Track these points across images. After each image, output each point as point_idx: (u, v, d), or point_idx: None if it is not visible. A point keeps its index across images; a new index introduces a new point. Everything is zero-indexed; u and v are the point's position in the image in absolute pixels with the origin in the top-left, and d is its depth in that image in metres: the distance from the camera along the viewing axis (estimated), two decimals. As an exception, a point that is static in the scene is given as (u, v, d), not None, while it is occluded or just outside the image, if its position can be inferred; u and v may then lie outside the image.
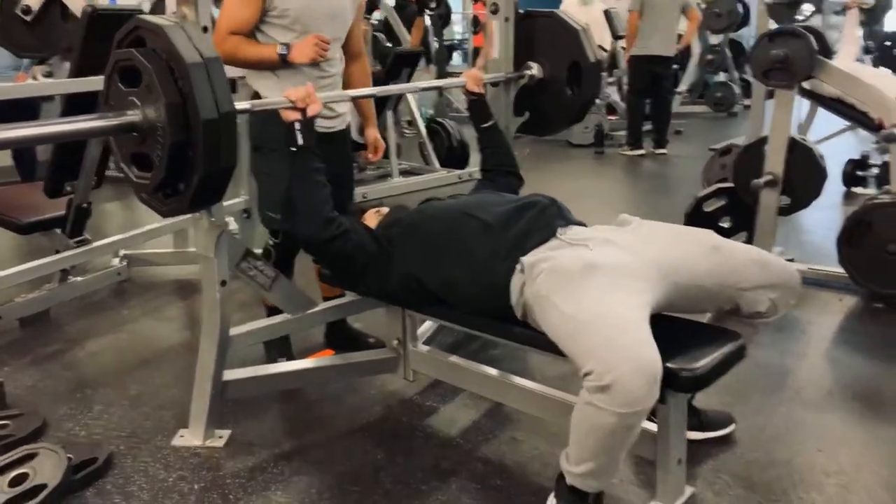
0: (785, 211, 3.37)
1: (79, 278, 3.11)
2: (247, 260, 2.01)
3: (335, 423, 2.20)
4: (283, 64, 2.15)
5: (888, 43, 6.00)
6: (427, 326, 2.54)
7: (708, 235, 1.87)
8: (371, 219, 2.20)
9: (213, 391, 2.03)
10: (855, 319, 2.99)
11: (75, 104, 2.66)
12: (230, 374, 2.08)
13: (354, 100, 2.43)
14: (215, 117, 1.53)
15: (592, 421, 1.47)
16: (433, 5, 7.12)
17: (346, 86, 2.41)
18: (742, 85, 8.85)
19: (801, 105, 4.09)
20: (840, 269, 3.10)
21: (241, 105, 1.74)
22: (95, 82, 2.51)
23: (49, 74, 4.04)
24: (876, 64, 6.31)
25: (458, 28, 12.80)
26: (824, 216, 4.22)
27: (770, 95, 4.15)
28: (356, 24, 2.40)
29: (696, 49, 8.74)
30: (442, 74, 7.68)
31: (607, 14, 7.29)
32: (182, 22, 1.63)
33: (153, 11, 3.16)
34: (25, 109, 4.00)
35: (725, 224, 3.51)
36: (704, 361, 1.61)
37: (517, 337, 1.86)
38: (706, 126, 8.13)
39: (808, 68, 2.99)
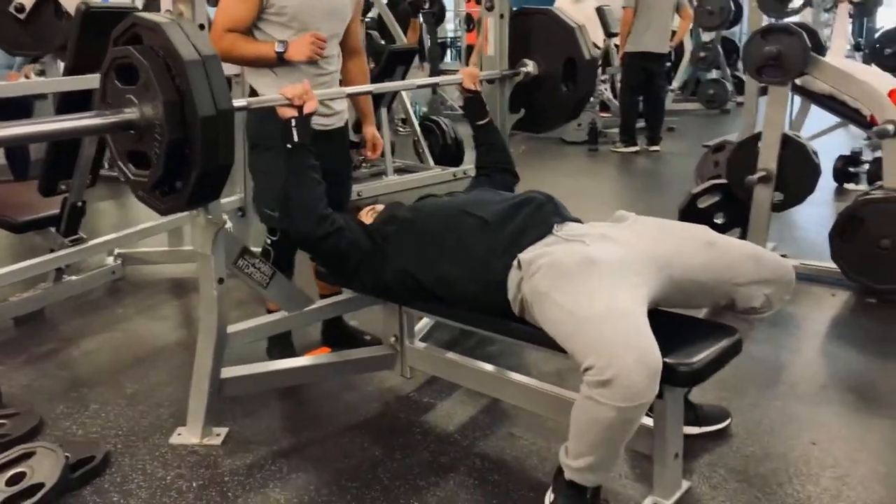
0: (778, 207, 3.38)
1: (73, 277, 3.11)
2: (244, 257, 2.01)
3: (332, 420, 2.21)
4: (280, 61, 2.15)
5: (879, 44, 6.03)
6: (423, 323, 2.55)
7: (703, 231, 1.89)
8: (366, 217, 2.20)
9: (211, 389, 2.03)
10: (848, 314, 3.01)
11: (69, 102, 2.65)
12: (227, 372, 2.08)
13: (352, 97, 2.43)
14: (213, 114, 1.53)
15: (593, 415, 1.48)
16: (427, 6, 7.12)
17: (343, 83, 2.42)
18: (734, 82, 8.89)
19: (793, 102, 4.10)
20: (832, 265, 3.12)
21: (238, 102, 1.74)
22: (90, 80, 2.53)
23: (41, 73, 4.02)
24: (867, 61, 6.34)
25: (450, 26, 12.81)
26: (816, 212, 4.25)
27: (763, 92, 4.17)
28: (354, 20, 2.39)
29: (689, 46, 8.78)
30: (435, 72, 7.68)
31: (600, 11, 7.30)
32: (179, 19, 1.63)
33: (146, 9, 3.14)
34: (18, 108, 3.99)
35: (719, 220, 3.53)
36: (701, 356, 1.62)
37: (514, 333, 1.87)
38: (699, 123, 8.16)
39: (802, 65, 3.00)
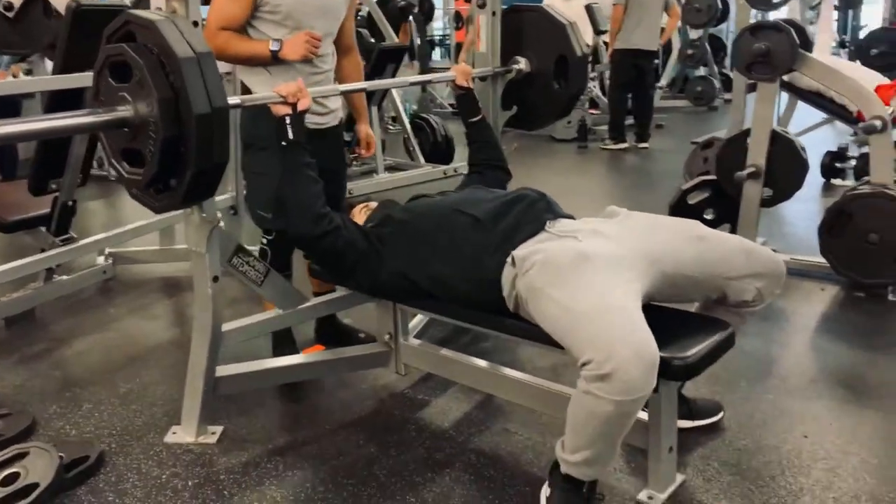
0: (767, 202, 3.41)
1: (64, 277, 3.09)
2: (238, 255, 2.01)
3: (328, 418, 2.21)
4: (274, 60, 2.14)
5: (865, 44, 6.09)
6: (418, 320, 2.56)
7: (694, 225, 1.90)
8: (359, 214, 2.20)
9: (206, 387, 2.03)
10: (837, 308, 3.04)
11: (59, 101, 2.64)
12: (222, 370, 2.08)
13: (345, 94, 2.43)
14: (208, 112, 1.53)
15: (590, 409, 1.48)
16: (416, 10, 7.13)
17: (337, 81, 2.41)
18: (722, 79, 8.95)
19: (781, 98, 4.14)
20: (821, 259, 3.15)
21: (231, 100, 1.73)
22: (81, 79, 2.52)
23: (29, 72, 4.00)
24: (852, 58, 6.41)
25: (438, 24, 12.80)
26: (804, 207, 4.29)
27: (751, 89, 4.21)
28: (348, 18, 2.39)
29: (677, 44, 8.82)
30: (425, 70, 7.68)
31: (589, 9, 7.32)
32: (173, 16, 1.62)
33: (136, 7, 3.13)
34: (6, 107, 3.96)
35: (709, 216, 3.55)
36: (695, 350, 1.64)
37: (510, 329, 1.88)
38: (687, 120, 8.21)
39: (790, 61, 3.03)
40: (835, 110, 4.49)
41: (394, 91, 5.10)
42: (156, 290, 3.35)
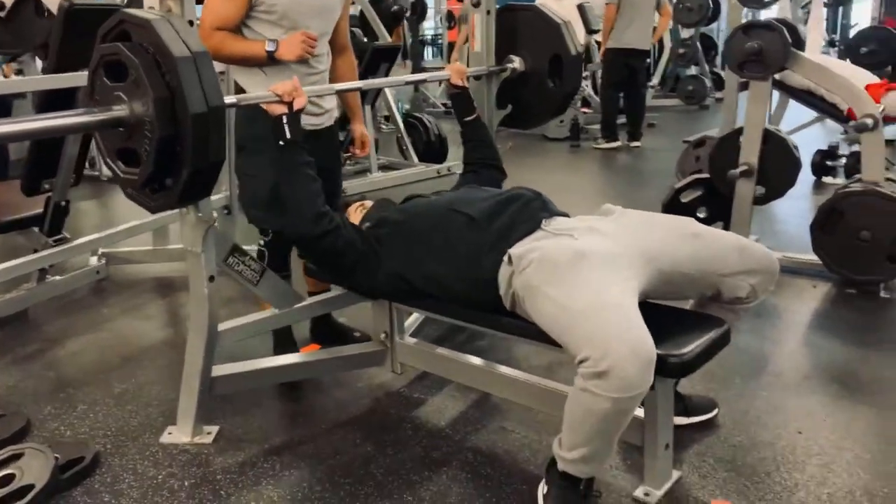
0: (760, 200, 3.43)
1: (57, 277, 3.08)
2: (234, 255, 2.00)
3: (324, 417, 2.21)
4: (270, 60, 2.13)
5: (855, 42, 6.13)
6: (413, 319, 2.56)
7: (688, 223, 1.91)
8: (355, 213, 2.20)
9: (202, 387, 2.02)
10: (829, 305, 3.05)
11: (52, 101, 2.62)
12: (218, 370, 2.07)
13: (340, 94, 2.42)
14: (204, 111, 1.52)
15: (588, 407, 1.49)
16: (408, 13, 7.13)
17: (332, 80, 2.40)
18: (713, 78, 8.99)
19: (772, 97, 4.16)
20: (813, 257, 3.17)
21: (227, 99, 1.73)
22: (74, 78, 2.51)
23: (20, 72, 3.98)
24: (842, 57, 6.45)
25: (429, 24, 12.79)
26: (795, 205, 4.31)
27: (743, 87, 4.23)
28: (343, 18, 2.38)
29: (668, 43, 8.86)
30: (417, 69, 7.68)
31: (581, 8, 7.33)
32: (168, 15, 1.61)
33: (129, 6, 3.12)
34: (-4, 107, 3.94)
35: (702, 214, 3.56)
36: (691, 347, 1.65)
37: (506, 327, 1.88)
38: (678, 119, 8.24)
39: (782, 60, 3.04)
40: (826, 109, 4.51)
41: (387, 90, 5.10)
42: (149, 290, 3.34)
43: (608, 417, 1.50)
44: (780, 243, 3.59)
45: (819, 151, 5.10)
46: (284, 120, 1.88)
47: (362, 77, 3.90)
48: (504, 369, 2.12)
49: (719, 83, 8.97)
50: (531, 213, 1.86)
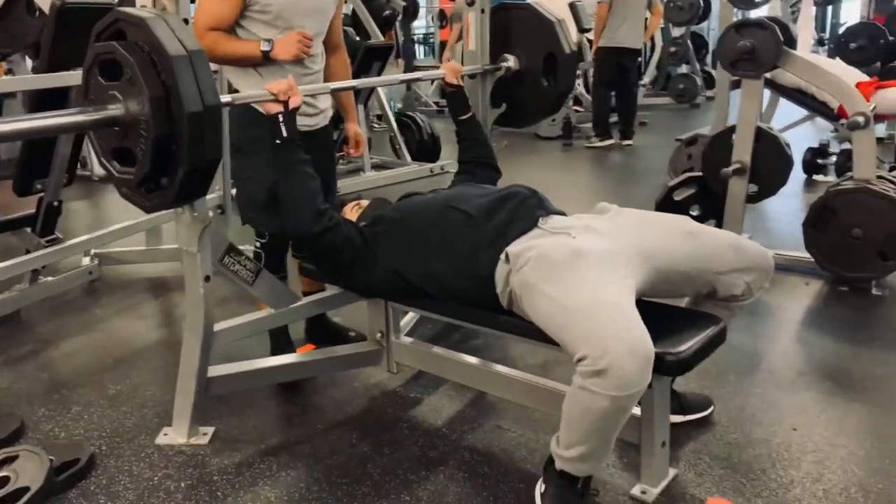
0: (753, 198, 3.44)
1: (49, 278, 3.06)
2: (229, 255, 2.00)
3: (320, 417, 2.20)
4: (265, 60, 2.12)
5: (844, 38, 6.17)
6: (409, 318, 2.56)
7: (684, 221, 1.92)
8: (351, 212, 2.20)
9: (198, 387, 2.01)
10: (821, 302, 3.07)
11: (43, 101, 2.60)
12: (214, 370, 2.07)
13: (334, 93, 2.42)
14: (200, 110, 1.52)
15: (586, 405, 1.49)
16: (399, 17, 7.13)
17: (325, 79, 2.39)
18: (703, 77, 9.03)
19: (763, 95, 4.18)
20: (805, 254, 3.18)
21: (222, 98, 1.72)
22: (68, 77, 2.49)
23: (10, 71, 3.95)
24: (831, 55, 6.49)
25: (420, 23, 12.79)
26: (787, 203, 4.33)
27: (734, 86, 4.24)
28: (336, 17, 2.37)
29: (659, 42, 8.89)
30: (409, 68, 7.68)
31: (573, 7, 7.36)
32: (163, 14, 1.61)
33: (122, 4, 3.10)
34: (-14, 107, 3.91)
35: (695, 212, 3.57)
36: (688, 345, 1.65)
37: (503, 326, 1.88)
38: (670, 117, 8.27)
39: (774, 58, 3.05)
40: (816, 107, 4.55)
41: (379, 89, 5.09)
42: (143, 290, 3.33)
43: (606, 415, 1.50)
44: (771, 241, 3.61)
45: (810, 149, 5.13)
46: (280, 119, 1.87)
47: (355, 76, 3.88)
48: (500, 368, 2.12)
49: (710, 82, 9.02)
50: (528, 210, 1.86)
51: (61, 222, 3.11)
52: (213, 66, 2.40)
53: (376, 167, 5.04)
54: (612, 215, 1.89)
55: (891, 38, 5.95)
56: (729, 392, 2.27)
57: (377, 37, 5.58)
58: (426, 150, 5.36)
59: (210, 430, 2.09)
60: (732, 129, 3.38)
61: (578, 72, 7.74)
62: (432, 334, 2.64)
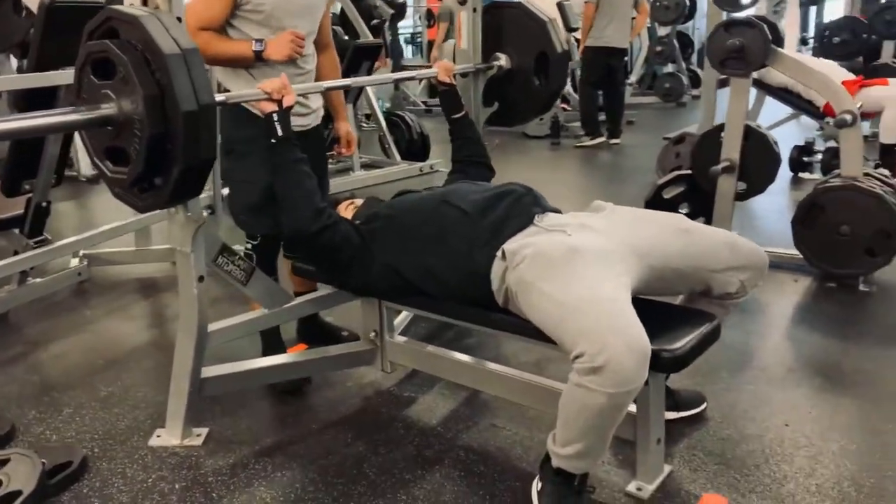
0: (742, 196, 3.46)
1: (38, 279, 3.03)
2: (223, 255, 1.98)
3: (314, 417, 2.19)
4: (257, 61, 2.10)
5: (828, 32, 6.22)
6: (402, 317, 2.55)
7: (679, 219, 1.93)
8: (345, 211, 2.19)
9: (192, 388, 2.00)
10: (810, 299, 3.10)
11: (31, 100, 2.58)
12: (207, 371, 2.05)
13: (325, 92, 2.41)
14: (195, 109, 1.51)
15: (583, 402, 1.49)
16: (387, 23, 7.13)
17: (315, 78, 2.38)
18: (689, 76, 9.08)
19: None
20: (793, 251, 3.21)
21: (216, 97, 1.71)
22: (55, 77, 2.47)
23: (-5, 70, 3.90)
24: (816, 55, 6.54)
25: (407, 22, 12.77)
26: (774, 200, 4.36)
27: (721, 85, 4.27)
28: (325, 15, 2.36)
29: (646, 41, 8.93)
30: (397, 68, 7.67)
31: (560, 6, 7.37)
32: (157, 12, 1.59)
33: (112, 2, 3.08)
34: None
35: (684, 210, 3.59)
36: (684, 342, 1.66)
37: (496, 324, 1.88)
38: (656, 116, 8.31)
39: (763, 57, 3.07)
40: (802, 105, 4.60)
41: (368, 88, 5.08)
42: (132, 291, 3.30)
43: (603, 413, 1.50)
44: (759, 238, 3.57)
45: (796, 147, 5.17)
46: (275, 118, 1.86)
47: (344, 76, 3.87)
48: (495, 366, 2.12)
49: (696, 81, 9.08)
50: (524, 208, 1.87)
51: (49, 223, 3.08)
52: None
53: (366, 166, 5.04)
54: (607, 213, 1.90)
55: (873, 37, 6.01)
56: (721, 388, 2.28)
57: (366, 36, 5.57)
58: (416, 149, 5.36)
59: (204, 431, 2.08)
60: (721, 128, 3.40)
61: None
62: (425, 333, 2.64)
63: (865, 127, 4.62)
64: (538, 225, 1.81)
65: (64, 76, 2.46)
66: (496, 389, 2.12)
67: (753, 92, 4.35)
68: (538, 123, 6.94)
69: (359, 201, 2.20)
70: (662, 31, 9.01)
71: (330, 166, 5.10)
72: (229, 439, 2.07)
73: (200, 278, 1.92)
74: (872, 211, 2.96)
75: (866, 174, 3.17)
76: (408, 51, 12.28)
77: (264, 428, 2.15)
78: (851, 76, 4.49)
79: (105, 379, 2.45)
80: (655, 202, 3.62)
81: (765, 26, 3.07)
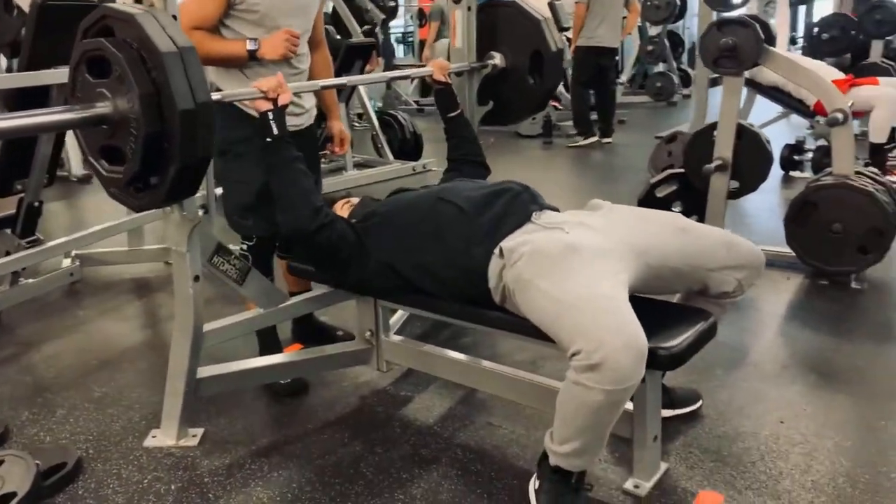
0: (734, 194, 3.48)
1: (30, 280, 3.01)
2: (219, 254, 1.98)
3: (310, 417, 2.19)
4: (251, 60, 2.09)
5: (818, 29, 6.26)
6: (397, 317, 2.55)
7: (676, 218, 1.94)
8: (342, 210, 2.18)
9: (187, 388, 1.99)
10: (803, 296, 3.11)
11: (22, 99, 2.56)
12: (203, 371, 2.04)
13: (318, 91, 2.40)
14: (192, 107, 1.50)
15: (581, 400, 1.49)
16: (379, 27, 7.12)
17: (308, 77, 2.38)
18: (680, 75, 9.11)
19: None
20: (786, 249, 3.22)
21: (213, 96, 1.70)
22: (47, 76, 2.45)
23: (-16, 69, 3.87)
24: (806, 54, 6.58)
25: (398, 22, 12.76)
26: (765, 199, 4.39)
27: (713, 83, 4.29)
28: (318, 13, 2.36)
29: (636, 41, 8.96)
30: (389, 67, 7.66)
31: (552, 6, 7.39)
32: (152, 10, 1.58)
33: (102, 1, 3.06)
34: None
35: (677, 208, 3.60)
36: (680, 339, 1.66)
37: (493, 322, 1.88)
38: (647, 115, 8.33)
39: (755, 56, 3.09)
40: (792, 104, 4.63)
41: (360, 88, 5.08)
42: (125, 291, 3.28)
43: (601, 410, 1.50)
44: (751, 236, 3.54)
45: (787, 146, 5.20)
46: (270, 116, 1.86)
47: (336, 75, 3.87)
48: (490, 365, 2.12)
49: (686, 80, 9.12)
50: (521, 205, 1.87)
51: (39, 223, 3.06)
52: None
53: (359, 166, 5.03)
54: (604, 212, 1.90)
55: (861, 37, 6.05)
56: (716, 386, 2.29)
57: (358, 35, 5.56)
58: (408, 148, 5.35)
59: (199, 431, 2.07)
60: (713, 126, 3.41)
61: (559, 70, 7.78)
62: (421, 332, 2.64)
63: (855, 126, 4.65)
64: (536, 222, 1.82)
65: (56, 75, 2.44)
66: (492, 388, 2.12)
67: (744, 91, 4.37)
68: (530, 123, 6.95)
69: (355, 200, 2.19)
70: (653, 30, 9.04)
71: (323, 166, 5.12)
72: (225, 439, 2.06)
73: (196, 278, 1.91)
74: (864, 209, 2.98)
75: (858, 172, 3.18)
76: (399, 50, 12.27)
77: (260, 428, 2.14)
78: (841, 75, 4.51)
79: (99, 380, 2.44)
80: (648, 201, 3.63)
81: (757, 25, 3.08)
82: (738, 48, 3.07)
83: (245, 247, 2.31)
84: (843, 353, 2.53)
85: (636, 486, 1.80)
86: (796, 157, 5.19)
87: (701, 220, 3.46)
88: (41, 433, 2.12)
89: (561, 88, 7.82)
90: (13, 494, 1.74)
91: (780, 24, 5.42)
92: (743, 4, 4.32)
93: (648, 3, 8.51)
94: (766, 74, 4.24)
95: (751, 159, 3.39)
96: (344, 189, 4.38)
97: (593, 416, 1.52)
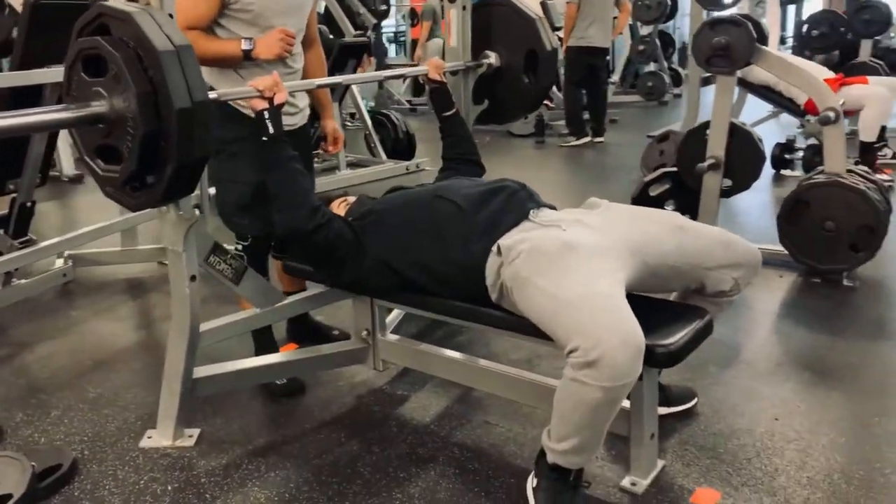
0: (727, 193, 3.49)
1: (23, 281, 2.99)
2: (215, 254, 1.97)
3: (307, 417, 2.18)
4: (246, 59, 2.08)
5: (808, 26, 6.30)
6: (393, 316, 2.55)
7: (673, 216, 1.95)
8: (338, 208, 2.18)
9: (184, 389, 1.98)
10: (796, 294, 3.13)
11: (15, 99, 2.54)
12: (199, 371, 2.04)
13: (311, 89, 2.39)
14: (189, 106, 1.49)
15: (578, 397, 1.50)
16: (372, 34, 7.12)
17: (302, 75, 2.37)
18: (671, 74, 9.15)
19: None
20: (778, 247, 3.24)
21: (209, 94, 1.70)
22: (40, 75, 2.44)
23: (-26, 69, 3.84)
24: (796, 53, 6.62)
25: (390, 21, 12.75)
26: (756, 197, 4.41)
27: (705, 83, 4.31)
28: (312, 11, 2.35)
29: (628, 40, 8.99)
30: (381, 66, 7.66)
31: (544, 6, 7.40)
32: (149, 8, 1.58)
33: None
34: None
35: (670, 207, 3.62)
36: (677, 337, 1.67)
37: (489, 320, 1.88)
38: (639, 115, 8.36)
39: (748, 55, 3.10)
40: (783, 103, 4.66)
41: (353, 87, 5.07)
42: (119, 291, 3.27)
43: (598, 407, 1.51)
44: (743, 234, 3.55)
45: (778, 145, 5.23)
46: (266, 115, 1.85)
47: (330, 74, 3.85)
48: (487, 363, 2.13)
49: (677, 79, 9.16)
50: (519, 203, 1.87)
51: (32, 224, 3.04)
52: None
53: (352, 165, 5.02)
54: (602, 210, 1.90)
55: (850, 35, 6.09)
56: (710, 384, 2.30)
57: (351, 34, 5.55)
58: (401, 148, 5.35)
59: (195, 431, 2.06)
60: (706, 125, 3.43)
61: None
62: (415, 332, 2.64)
63: (845, 124, 4.68)
64: (533, 220, 1.82)
65: (49, 74, 2.43)
66: (488, 386, 2.12)
67: (736, 90, 4.40)
68: (523, 122, 6.97)
69: (351, 199, 2.19)
70: (644, 30, 9.07)
71: (316, 165, 5.12)
72: (222, 440, 2.05)
73: (192, 278, 1.91)
74: (856, 207, 3.00)
75: (849, 170, 3.21)
76: (391, 50, 12.27)
77: (256, 428, 2.13)
78: (832, 75, 4.55)
79: (93, 380, 2.43)
80: (642, 199, 3.64)
81: (750, 25, 3.10)
82: (731, 47, 3.09)
83: (240, 246, 2.30)
84: (836, 351, 2.55)
85: (633, 484, 1.80)
86: (787, 156, 5.23)
87: (694, 218, 3.47)
88: (36, 434, 2.11)
89: (553, 88, 7.84)
90: (8, 496, 1.73)
91: (771, 24, 5.45)
92: (734, 4, 4.34)
93: (639, 3, 8.54)
94: (757, 73, 4.27)
95: (743, 158, 3.41)
96: (337, 188, 4.37)
97: (591, 413, 1.52)
